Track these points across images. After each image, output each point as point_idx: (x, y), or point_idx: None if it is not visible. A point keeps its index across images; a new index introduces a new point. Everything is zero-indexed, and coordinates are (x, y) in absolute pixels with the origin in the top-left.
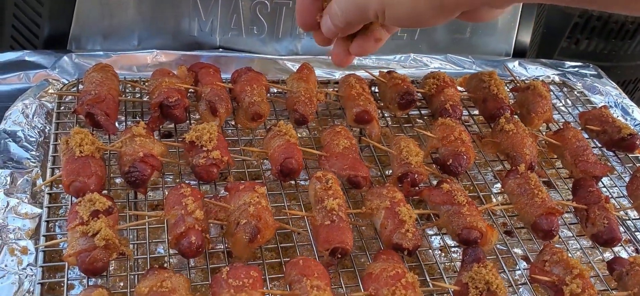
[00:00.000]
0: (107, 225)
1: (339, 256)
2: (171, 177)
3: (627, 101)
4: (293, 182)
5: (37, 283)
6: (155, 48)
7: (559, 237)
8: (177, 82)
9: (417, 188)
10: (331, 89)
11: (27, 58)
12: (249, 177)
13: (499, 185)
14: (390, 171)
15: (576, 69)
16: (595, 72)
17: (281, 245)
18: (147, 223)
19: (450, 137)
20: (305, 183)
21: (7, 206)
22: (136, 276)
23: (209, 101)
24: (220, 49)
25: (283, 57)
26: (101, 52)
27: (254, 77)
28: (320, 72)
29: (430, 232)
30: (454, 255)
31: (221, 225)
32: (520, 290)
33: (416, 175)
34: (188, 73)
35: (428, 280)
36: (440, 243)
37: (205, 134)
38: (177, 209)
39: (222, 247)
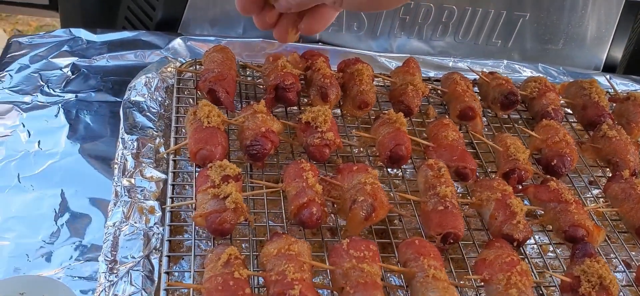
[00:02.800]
0: (236, 190)
1: (451, 241)
2: (283, 156)
3: None
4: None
5: (166, 240)
6: (259, 37)
7: None
8: (292, 68)
9: (522, 184)
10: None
11: (142, 38)
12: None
13: (595, 192)
14: (490, 168)
15: None
16: None
17: (390, 227)
18: (265, 194)
19: (555, 139)
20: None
21: (135, 169)
22: (256, 242)
23: (320, 87)
24: (319, 43)
25: (379, 54)
26: (212, 37)
27: (362, 68)
28: None
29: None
30: (551, 255)
31: (333, 203)
32: (620, 294)
33: (523, 172)
34: (301, 59)
35: (533, 270)
36: (537, 241)
37: (320, 116)
38: (298, 181)
39: (329, 225)
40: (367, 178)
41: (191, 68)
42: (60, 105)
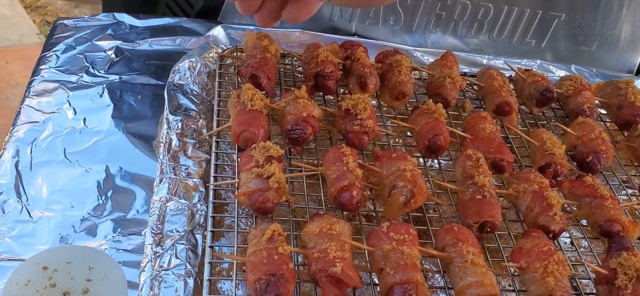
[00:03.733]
0: (279, 170)
1: (488, 230)
2: (322, 142)
3: None
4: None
5: (209, 216)
6: (297, 29)
7: None
8: (331, 56)
9: (557, 179)
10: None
11: (183, 25)
12: None
13: (630, 191)
14: (526, 163)
15: None
16: None
17: (426, 215)
18: (304, 177)
19: (591, 136)
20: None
21: (179, 148)
22: (295, 222)
23: (359, 76)
24: (355, 36)
25: (414, 48)
26: (252, 26)
27: (401, 59)
28: None
29: None
30: (583, 250)
31: (371, 189)
32: None
33: (559, 167)
34: (339, 49)
35: (568, 263)
36: (571, 235)
37: (360, 103)
38: (339, 165)
39: (366, 212)
40: (407, 165)
41: (233, 54)
42: (104, 85)
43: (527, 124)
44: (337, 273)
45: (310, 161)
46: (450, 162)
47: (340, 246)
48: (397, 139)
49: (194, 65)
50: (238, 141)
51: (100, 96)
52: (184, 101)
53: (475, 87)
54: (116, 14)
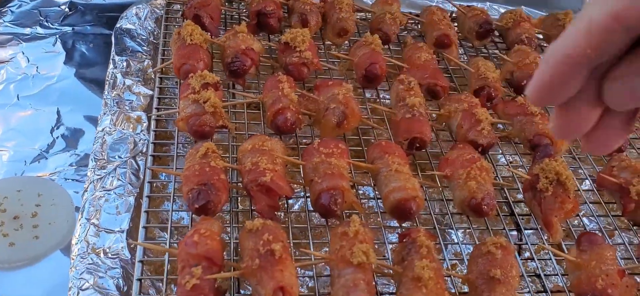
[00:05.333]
0: (215, 96)
1: (417, 146)
2: (265, 77)
3: None
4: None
5: (151, 143)
6: None
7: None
8: None
9: (492, 102)
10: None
11: None
12: None
13: None
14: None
15: None
16: None
17: (363, 138)
18: (245, 106)
19: (526, 61)
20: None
21: (124, 85)
22: (235, 147)
23: (301, 13)
24: None
25: None
26: None
27: None
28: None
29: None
30: (521, 170)
31: (309, 116)
32: (588, 197)
33: (492, 90)
34: None
35: (497, 173)
36: (508, 160)
37: (299, 36)
38: (275, 91)
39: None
40: (340, 90)
41: (180, 0)
42: (57, 36)
43: (469, 58)
44: (267, 181)
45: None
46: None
47: (272, 159)
48: (342, 74)
49: (141, 11)
50: (179, 74)
51: (53, 45)
52: (131, 44)
53: (418, 25)
54: None
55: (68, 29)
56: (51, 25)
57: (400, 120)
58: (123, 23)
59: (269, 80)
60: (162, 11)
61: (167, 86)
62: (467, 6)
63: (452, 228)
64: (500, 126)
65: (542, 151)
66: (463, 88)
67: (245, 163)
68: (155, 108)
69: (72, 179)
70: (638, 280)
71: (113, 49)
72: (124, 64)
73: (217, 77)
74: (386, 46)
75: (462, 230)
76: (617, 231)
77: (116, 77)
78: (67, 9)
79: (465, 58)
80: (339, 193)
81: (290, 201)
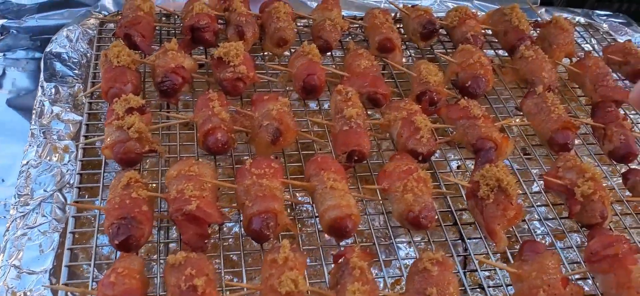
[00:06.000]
0: (140, 121)
1: (356, 158)
2: (200, 93)
3: None
4: (318, 103)
5: (76, 173)
6: None
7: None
8: (208, 9)
9: (435, 106)
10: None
11: None
12: None
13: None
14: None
15: (605, 17)
16: (625, 20)
17: (303, 152)
18: (178, 126)
19: (470, 61)
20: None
21: (51, 113)
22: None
23: (236, 25)
24: None
25: None
26: None
27: (278, 6)
28: (345, 13)
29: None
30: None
31: (246, 133)
32: (536, 200)
33: (434, 94)
34: (219, 1)
35: (440, 181)
36: (458, 164)
37: (232, 50)
38: (205, 111)
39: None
40: (275, 105)
41: (115, 19)
42: None
43: (417, 60)
44: (192, 210)
45: (190, 113)
46: None
47: (199, 185)
48: (284, 86)
49: (72, 33)
50: (107, 97)
51: None
52: (61, 68)
53: (362, 29)
54: None
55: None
56: None
57: (338, 133)
58: (53, 47)
59: (200, 99)
60: (95, 31)
61: (100, 111)
62: (411, 6)
63: (394, 242)
64: (451, 129)
65: (483, 157)
66: (408, 93)
67: (170, 190)
68: (83, 136)
69: None
70: (587, 285)
71: (41, 75)
72: (53, 90)
73: (142, 100)
74: (329, 54)
75: (406, 243)
76: (566, 234)
77: (44, 105)
78: None
79: (413, 60)
80: (271, 217)
81: (230, 224)
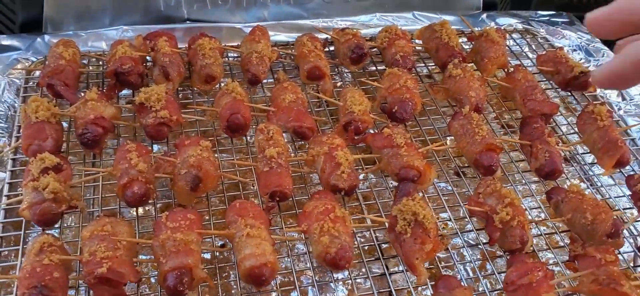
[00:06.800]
0: (56, 180)
1: (278, 199)
2: (127, 139)
3: (599, 45)
4: (246, 141)
5: None
6: (125, 25)
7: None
8: (132, 51)
9: (361, 135)
10: (290, 51)
11: (3, 42)
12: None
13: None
14: None
15: (547, 18)
16: (568, 20)
17: (229, 194)
18: (101, 178)
19: (396, 86)
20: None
21: None
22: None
23: (161, 66)
24: (187, 22)
25: (246, 25)
26: (71, 32)
27: (203, 42)
28: (283, 37)
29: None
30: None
31: (170, 179)
32: (467, 225)
33: (360, 123)
34: (144, 42)
35: (366, 216)
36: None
37: (153, 95)
38: (122, 163)
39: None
40: (194, 151)
41: (41, 67)
42: None
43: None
44: (103, 273)
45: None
46: None
47: (113, 245)
48: (213, 122)
49: None
50: (28, 154)
51: None
52: None
53: (291, 57)
54: None
55: None
56: None
57: (260, 173)
58: None
59: (118, 151)
60: (21, 81)
61: (19, 168)
62: (341, 30)
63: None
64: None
65: (401, 191)
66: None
67: (84, 252)
68: (5, 196)
69: None
70: None
71: None
72: None
73: (57, 159)
74: (258, 85)
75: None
76: (488, 259)
77: None
78: None
79: (348, 84)
80: (185, 273)
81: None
